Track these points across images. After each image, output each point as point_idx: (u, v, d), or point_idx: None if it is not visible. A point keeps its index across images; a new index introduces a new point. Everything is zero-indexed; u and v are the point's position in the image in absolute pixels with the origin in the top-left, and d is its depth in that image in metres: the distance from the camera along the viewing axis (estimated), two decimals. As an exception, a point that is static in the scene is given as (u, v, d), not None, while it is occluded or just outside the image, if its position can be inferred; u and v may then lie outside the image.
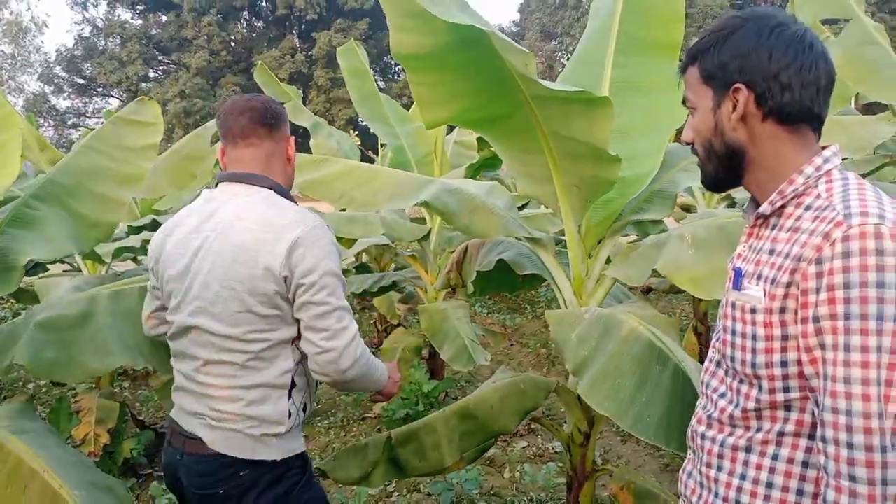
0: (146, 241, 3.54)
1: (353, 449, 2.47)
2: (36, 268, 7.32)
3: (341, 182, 2.82)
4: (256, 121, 1.67)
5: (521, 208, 4.43)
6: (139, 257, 5.80)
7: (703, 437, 1.19)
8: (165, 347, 1.81)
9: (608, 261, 2.53)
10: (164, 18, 38.04)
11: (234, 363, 1.59)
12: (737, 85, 1.10)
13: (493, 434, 2.48)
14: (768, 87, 1.07)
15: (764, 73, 1.08)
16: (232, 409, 1.59)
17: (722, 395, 1.17)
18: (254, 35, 39.54)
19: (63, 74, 38.50)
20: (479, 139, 5.50)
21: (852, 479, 0.95)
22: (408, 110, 5.27)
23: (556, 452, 4.15)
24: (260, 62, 6.25)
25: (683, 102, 1.21)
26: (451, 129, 5.50)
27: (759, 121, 1.10)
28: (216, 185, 1.70)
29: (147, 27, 38.39)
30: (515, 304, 8.61)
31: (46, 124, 36.36)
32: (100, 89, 38.52)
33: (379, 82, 27.97)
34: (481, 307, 8.36)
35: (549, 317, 2.25)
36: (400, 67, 38.85)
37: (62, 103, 39.28)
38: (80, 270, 4.23)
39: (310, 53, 35.99)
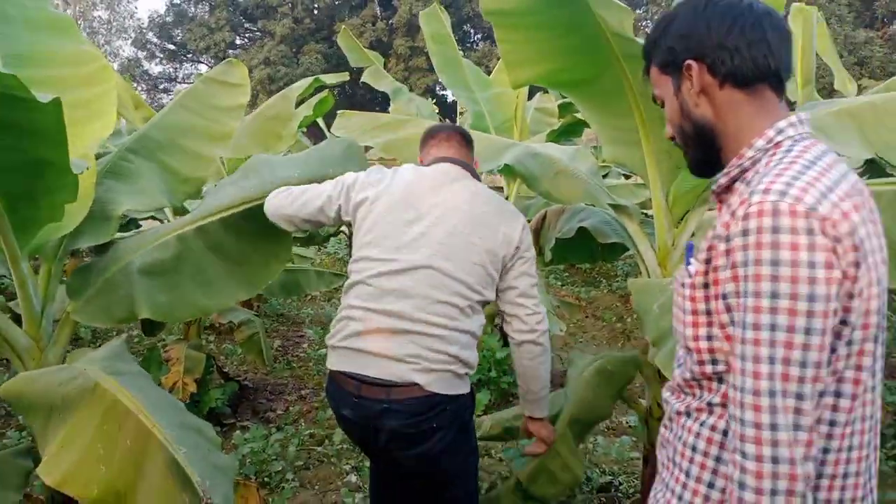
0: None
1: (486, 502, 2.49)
2: (129, 224, 7.68)
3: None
4: (458, 132, 2.10)
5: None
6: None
7: (665, 401, 1.24)
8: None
9: (695, 232, 2.44)
10: (251, -15, 38.74)
11: (458, 306, 1.83)
12: (687, 62, 1.11)
13: (597, 422, 2.50)
14: (717, 55, 1.08)
15: (709, 43, 1.09)
16: (449, 351, 1.81)
17: (679, 365, 1.21)
18: (336, 3, 39.81)
19: (155, 40, 39.88)
20: (561, 106, 5.39)
21: (743, 454, 0.95)
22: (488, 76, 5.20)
23: (629, 427, 4.09)
24: (343, 27, 6.28)
25: (654, 101, 1.23)
26: (530, 95, 5.40)
27: (718, 89, 1.10)
28: (431, 158, 2.04)
29: (234, -6, 39.23)
30: (591, 277, 8.48)
31: (140, 88, 37.84)
32: (189, 55, 39.72)
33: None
34: (556, 279, 8.27)
35: (633, 285, 2.19)
36: (479, 36, 38.49)
37: (154, 68, 40.78)
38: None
39: (390, 21, 36.02)
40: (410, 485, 2.04)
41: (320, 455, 3.81)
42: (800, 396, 0.92)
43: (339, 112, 3.22)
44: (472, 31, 39.10)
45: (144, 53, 39.79)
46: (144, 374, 1.98)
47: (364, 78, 5.81)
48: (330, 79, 4.12)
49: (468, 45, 38.72)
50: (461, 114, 7.25)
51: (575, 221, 2.67)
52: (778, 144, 1.06)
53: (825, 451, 1.00)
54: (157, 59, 40.47)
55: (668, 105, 1.18)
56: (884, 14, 30.04)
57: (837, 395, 0.99)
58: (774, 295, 0.92)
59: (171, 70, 40.74)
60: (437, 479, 1.94)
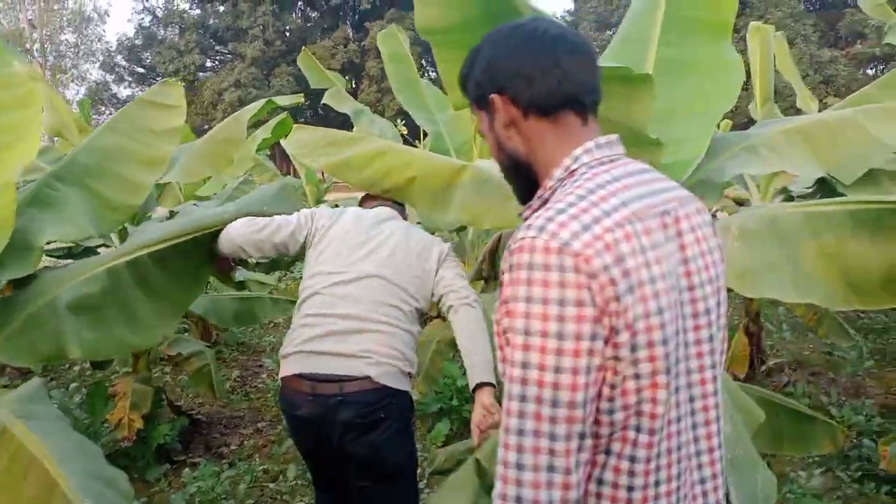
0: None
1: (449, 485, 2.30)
2: (87, 252, 7.47)
3: (372, 168, 2.69)
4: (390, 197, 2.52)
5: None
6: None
7: None
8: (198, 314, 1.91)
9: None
10: (221, 8, 38.68)
11: (402, 309, 2.13)
12: (491, 96, 1.09)
13: None
14: (515, 85, 1.07)
15: (507, 74, 1.08)
16: (396, 346, 2.08)
17: None
18: (308, 25, 39.91)
19: (123, 63, 39.60)
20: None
21: (496, 491, 0.94)
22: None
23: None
24: (304, 48, 6.20)
25: (481, 135, 1.18)
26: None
27: (524, 120, 1.08)
28: (370, 206, 2.47)
29: (205, 17, 39.14)
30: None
31: (108, 112, 37.47)
32: (159, 78, 39.40)
33: (430, 73, 27.89)
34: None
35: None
36: (451, 58, 38.63)
37: (123, 91, 40.49)
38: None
39: (362, 44, 36.15)
40: (358, 487, 2.16)
41: (273, 492, 3.66)
42: (552, 437, 0.89)
43: (294, 126, 3.12)
44: (443, 53, 39.31)
45: (113, 77, 39.52)
46: (60, 416, 1.84)
47: (325, 100, 5.71)
48: (284, 100, 4.02)
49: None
50: (426, 135, 7.19)
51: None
52: (572, 173, 1.04)
53: (630, 488, 0.97)
54: (126, 83, 40.22)
55: (488, 140, 1.16)
56: (847, 34, 30.83)
57: (637, 429, 0.95)
58: (527, 332, 0.90)
59: (139, 93, 40.16)
60: (384, 470, 2.11)
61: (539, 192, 1.08)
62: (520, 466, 0.90)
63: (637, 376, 0.93)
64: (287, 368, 2.11)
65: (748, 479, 1.48)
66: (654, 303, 0.93)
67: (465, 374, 4.39)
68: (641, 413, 0.95)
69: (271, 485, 3.75)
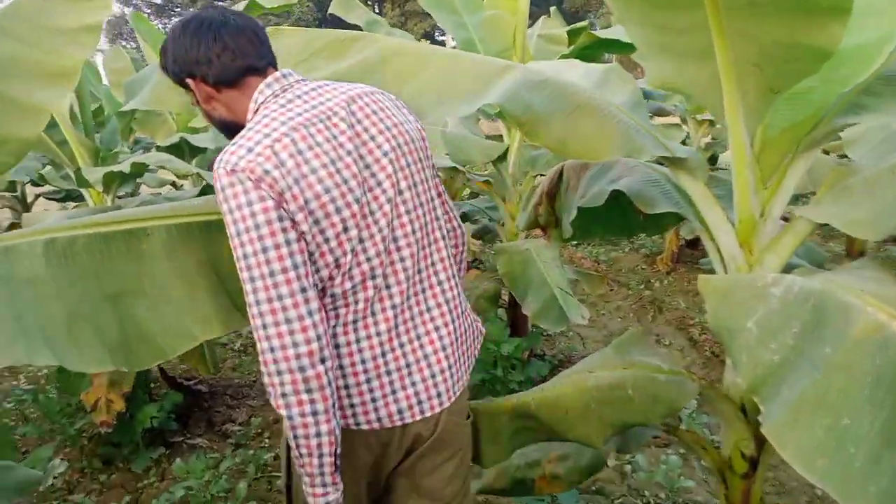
0: (139, 167, 2.74)
1: None
2: (68, 198, 6.72)
3: (383, 75, 1.90)
4: None
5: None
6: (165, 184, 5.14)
7: None
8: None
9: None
10: (237, -68, 37.05)
11: None
12: (186, 80, 1.34)
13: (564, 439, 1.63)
14: (200, 69, 1.31)
15: (191, 61, 1.31)
16: None
17: None
18: (327, -54, 38.14)
19: (140, -5, 38.39)
20: (570, 32, 4.42)
21: (259, 351, 1.21)
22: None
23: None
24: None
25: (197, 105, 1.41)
26: (533, 21, 4.44)
27: (218, 93, 1.34)
28: None
29: (220, -58, 37.52)
30: (607, 232, 7.57)
31: (129, 46, 36.59)
32: (177, 10, 38.35)
33: None
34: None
35: (705, 286, 1.31)
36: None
37: (142, 26, 39.45)
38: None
39: (385, -37, 34.39)
40: None
41: (281, 487, 3.02)
42: (280, 297, 1.17)
43: (269, 29, 2.33)
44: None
45: (130, 9, 38.39)
46: None
47: (332, 9, 4.84)
48: (269, 2, 3.19)
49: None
50: (454, 47, 6.27)
51: (605, 181, 1.77)
52: (256, 111, 1.31)
53: (335, 310, 1.30)
54: (145, 15, 39.16)
55: (200, 111, 1.40)
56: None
57: (336, 278, 1.27)
58: (238, 234, 1.18)
59: (159, 26, 39.39)
60: None
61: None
62: (264, 326, 1.18)
63: (327, 240, 1.23)
64: None
65: None
66: (320, 186, 1.21)
67: (510, 335, 3.67)
68: (339, 266, 1.26)
69: (280, 478, 3.11)
